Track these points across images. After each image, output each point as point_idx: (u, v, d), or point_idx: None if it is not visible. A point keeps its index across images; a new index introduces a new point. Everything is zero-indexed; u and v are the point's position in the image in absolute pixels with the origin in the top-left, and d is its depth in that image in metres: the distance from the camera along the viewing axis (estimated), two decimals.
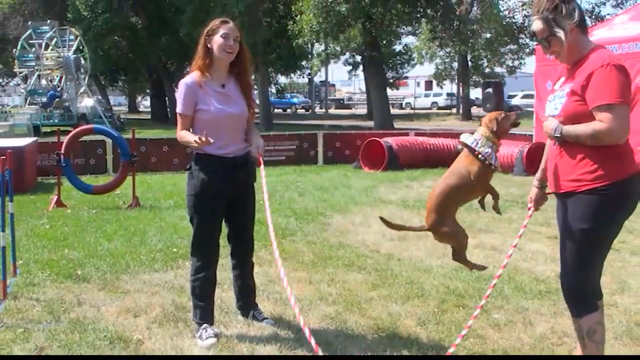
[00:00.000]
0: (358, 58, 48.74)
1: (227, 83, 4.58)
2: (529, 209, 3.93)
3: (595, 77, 3.35)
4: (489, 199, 4.43)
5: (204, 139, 4.18)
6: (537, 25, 3.52)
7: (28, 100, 33.90)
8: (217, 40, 4.44)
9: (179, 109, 4.51)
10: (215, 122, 4.47)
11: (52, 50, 34.72)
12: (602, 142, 3.36)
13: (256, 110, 4.72)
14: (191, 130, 4.52)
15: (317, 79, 65.03)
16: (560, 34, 3.45)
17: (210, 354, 4.23)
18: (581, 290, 3.55)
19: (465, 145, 4.11)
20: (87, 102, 33.72)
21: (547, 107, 3.69)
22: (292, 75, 54.83)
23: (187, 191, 4.61)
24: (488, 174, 4.08)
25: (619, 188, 3.43)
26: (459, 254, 4.35)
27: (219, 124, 4.47)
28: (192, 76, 4.51)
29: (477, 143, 4.02)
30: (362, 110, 57.79)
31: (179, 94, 4.51)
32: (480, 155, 3.98)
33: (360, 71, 53.14)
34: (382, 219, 4.68)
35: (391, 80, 55.03)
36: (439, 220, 4.07)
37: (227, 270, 4.95)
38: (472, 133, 4.23)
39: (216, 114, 4.47)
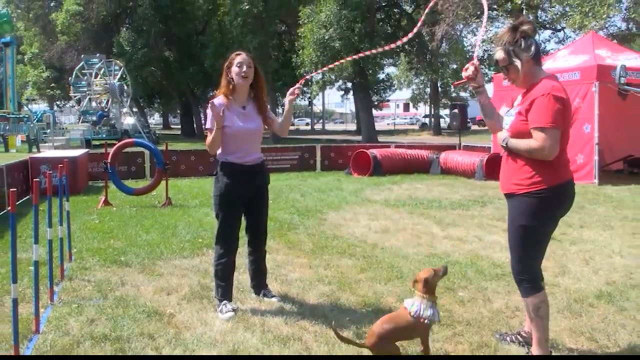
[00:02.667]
0: (349, 84, 48.82)
1: (247, 105, 4.60)
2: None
3: (536, 104, 3.37)
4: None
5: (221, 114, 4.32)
6: (499, 54, 3.54)
7: (81, 119, 33.89)
8: (234, 70, 4.48)
9: (208, 125, 4.51)
10: (237, 136, 4.48)
11: (100, 78, 34.78)
12: (534, 157, 3.39)
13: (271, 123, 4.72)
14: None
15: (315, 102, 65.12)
16: (518, 63, 3.46)
17: (229, 325, 4.24)
18: (527, 275, 3.55)
19: (410, 314, 3.51)
20: (129, 120, 33.73)
21: (504, 120, 3.69)
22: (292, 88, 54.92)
23: (213, 192, 4.61)
24: (428, 329, 3.62)
25: (553, 192, 3.43)
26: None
27: (240, 138, 4.49)
28: (220, 99, 4.51)
29: (420, 309, 3.50)
30: None
31: (209, 112, 4.50)
32: (425, 321, 3.51)
33: (350, 95, 53.25)
34: (335, 332, 3.63)
35: (376, 103, 55.13)
36: (377, 347, 3.45)
37: (243, 256, 4.96)
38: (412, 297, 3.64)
39: (238, 130, 4.48)
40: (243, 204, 4.62)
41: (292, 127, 57.66)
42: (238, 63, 4.47)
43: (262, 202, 4.74)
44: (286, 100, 4.66)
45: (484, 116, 3.79)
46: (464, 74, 3.69)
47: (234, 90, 4.51)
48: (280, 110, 54.59)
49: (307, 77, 4.98)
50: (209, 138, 4.48)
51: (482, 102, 3.72)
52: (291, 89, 4.61)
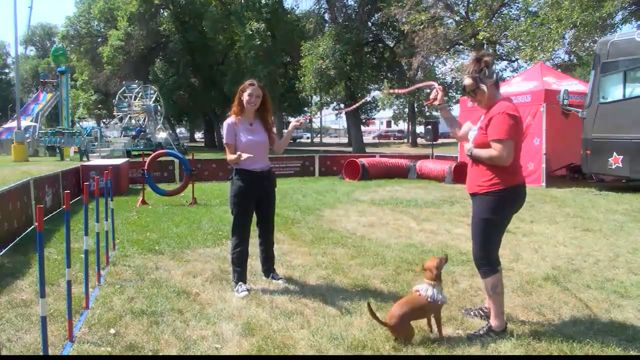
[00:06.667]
0: (342, 105, 48.81)
1: (254, 122, 4.63)
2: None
3: (494, 120, 3.41)
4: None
5: (243, 156, 4.32)
6: (467, 81, 3.56)
7: (122, 134, 33.81)
8: (245, 97, 4.53)
9: (225, 140, 4.56)
10: (247, 147, 4.51)
11: (138, 100, 34.74)
12: (493, 163, 3.42)
13: (275, 140, 4.78)
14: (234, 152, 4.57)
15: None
16: (484, 88, 3.50)
17: (244, 302, 4.24)
18: (486, 260, 3.55)
19: (428, 300, 3.47)
20: (162, 135, 33.60)
21: (470, 135, 3.72)
22: (297, 117, 54.81)
23: (230, 193, 4.63)
24: (440, 309, 3.58)
25: (510, 191, 3.46)
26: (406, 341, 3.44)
27: (250, 149, 4.51)
28: (231, 118, 4.58)
29: (434, 295, 3.48)
30: None
31: (224, 130, 4.58)
32: (440, 302, 3.50)
33: (343, 114, 53.20)
34: (369, 308, 3.56)
35: (364, 120, 55.02)
36: (397, 327, 3.40)
37: (255, 246, 4.96)
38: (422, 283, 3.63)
39: (247, 142, 4.51)
40: (254, 203, 4.63)
41: (294, 141, 57.67)
42: (249, 92, 4.53)
43: (269, 201, 4.75)
44: (291, 124, 4.70)
45: (448, 126, 3.99)
46: (431, 96, 3.85)
47: (243, 111, 4.56)
48: (284, 129, 54.56)
49: (310, 118, 4.87)
50: (230, 156, 4.51)
51: (444, 116, 3.91)
52: (298, 119, 4.65)
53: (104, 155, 26.23)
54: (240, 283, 4.53)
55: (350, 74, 29.05)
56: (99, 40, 45.28)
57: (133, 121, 34.88)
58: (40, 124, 36.93)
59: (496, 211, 3.47)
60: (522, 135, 3.56)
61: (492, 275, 3.53)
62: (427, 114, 44.02)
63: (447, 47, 25.13)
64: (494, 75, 3.51)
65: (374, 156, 16.98)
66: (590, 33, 17.06)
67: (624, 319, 3.89)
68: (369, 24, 31.28)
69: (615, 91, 11.07)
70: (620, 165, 10.87)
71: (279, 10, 32.35)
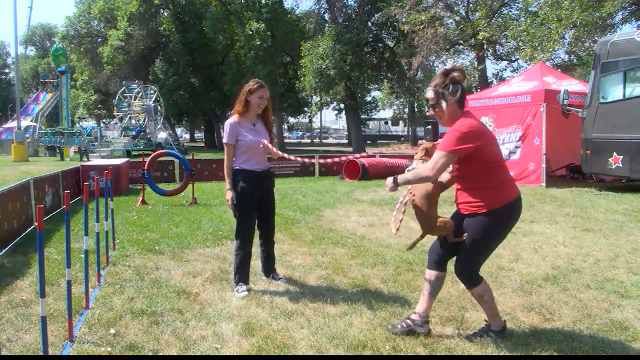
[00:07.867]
0: (342, 105, 48.77)
1: (257, 122, 4.64)
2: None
3: (446, 134, 3.32)
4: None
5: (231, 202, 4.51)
6: (429, 94, 3.43)
7: (122, 134, 33.79)
8: (255, 99, 4.54)
9: (225, 140, 4.55)
10: (250, 147, 4.52)
11: (138, 100, 34.73)
12: (419, 179, 3.38)
13: (274, 139, 4.79)
14: (235, 153, 4.56)
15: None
16: (443, 104, 3.37)
17: (244, 302, 4.24)
18: (469, 275, 3.48)
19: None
20: (162, 135, 33.57)
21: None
22: (298, 117, 54.90)
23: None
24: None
25: (505, 209, 3.33)
26: (450, 237, 3.53)
27: (252, 149, 4.53)
28: (234, 118, 4.57)
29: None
30: None
31: (225, 129, 4.56)
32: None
33: (343, 114, 53.18)
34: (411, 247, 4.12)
35: (364, 120, 55.05)
36: (428, 224, 3.57)
37: (255, 246, 4.95)
38: (412, 161, 3.82)
39: (250, 142, 4.52)
40: (256, 204, 4.63)
41: (295, 140, 57.65)
42: (260, 95, 4.54)
43: (270, 202, 4.76)
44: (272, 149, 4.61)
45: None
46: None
47: (248, 111, 4.56)
48: (285, 127, 54.51)
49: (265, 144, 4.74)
50: (227, 175, 4.56)
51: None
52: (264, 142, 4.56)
53: (103, 155, 26.23)
54: (240, 283, 4.53)
55: (350, 74, 29.02)
56: (99, 40, 45.25)
57: (133, 121, 34.87)
58: (40, 124, 36.92)
59: (491, 232, 3.36)
60: (490, 151, 3.34)
61: (477, 286, 3.48)
62: (427, 113, 44.08)
63: (447, 47, 25.11)
64: (458, 93, 3.34)
65: (374, 156, 16.97)
66: (590, 33, 17.06)
67: (624, 319, 3.89)
68: (369, 24, 31.24)
69: (615, 91, 11.08)
70: (620, 165, 10.88)
71: (279, 10, 32.29)
